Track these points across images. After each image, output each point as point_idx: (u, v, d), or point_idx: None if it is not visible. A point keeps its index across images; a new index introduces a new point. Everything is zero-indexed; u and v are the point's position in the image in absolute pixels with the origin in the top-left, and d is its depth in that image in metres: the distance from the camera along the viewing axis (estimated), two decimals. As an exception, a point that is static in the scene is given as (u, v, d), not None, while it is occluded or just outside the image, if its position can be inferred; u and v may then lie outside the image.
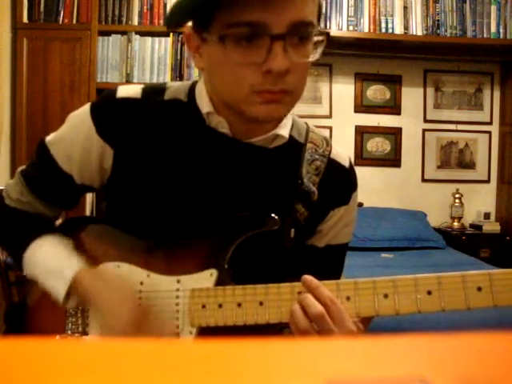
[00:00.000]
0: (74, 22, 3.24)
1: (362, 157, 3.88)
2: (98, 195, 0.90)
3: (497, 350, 0.27)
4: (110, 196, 0.88)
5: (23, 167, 0.93)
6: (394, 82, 3.92)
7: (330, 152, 0.88)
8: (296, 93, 0.75)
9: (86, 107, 0.85)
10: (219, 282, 0.79)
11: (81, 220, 0.94)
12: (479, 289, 0.69)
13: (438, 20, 3.50)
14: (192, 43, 0.78)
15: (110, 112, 0.83)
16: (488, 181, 4.00)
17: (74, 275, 0.81)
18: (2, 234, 0.92)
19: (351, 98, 3.91)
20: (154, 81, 3.27)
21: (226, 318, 0.76)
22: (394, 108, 3.93)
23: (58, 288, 0.81)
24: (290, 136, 0.85)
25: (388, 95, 3.92)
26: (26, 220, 0.90)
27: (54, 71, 3.18)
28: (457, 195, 3.82)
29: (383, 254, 3.20)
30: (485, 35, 3.51)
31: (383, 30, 3.47)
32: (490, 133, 3.98)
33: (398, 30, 3.47)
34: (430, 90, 3.95)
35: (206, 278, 0.79)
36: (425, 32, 3.49)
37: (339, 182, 0.89)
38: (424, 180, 3.96)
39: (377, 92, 3.92)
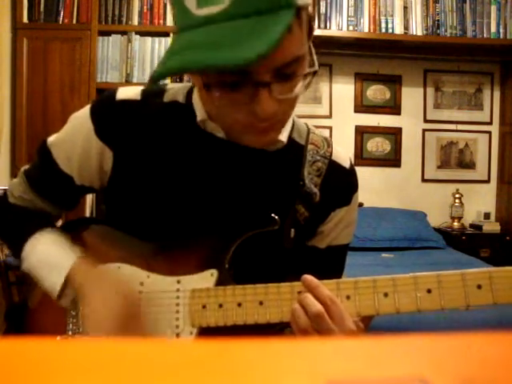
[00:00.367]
0: (74, 22, 3.24)
1: (362, 157, 3.89)
2: (98, 196, 0.91)
3: (497, 350, 0.27)
4: (110, 198, 0.88)
5: (26, 166, 0.93)
6: (393, 82, 3.92)
7: (331, 153, 0.88)
8: (287, 117, 0.75)
9: (87, 108, 0.85)
10: (219, 282, 0.79)
11: (81, 221, 0.94)
12: (479, 287, 0.69)
13: (438, 20, 3.50)
14: None
15: (109, 114, 0.83)
16: (488, 181, 4.00)
17: (71, 267, 0.81)
18: (3, 230, 0.93)
19: (351, 98, 3.92)
20: (154, 81, 3.27)
21: (227, 318, 0.76)
22: (394, 108, 3.93)
23: (54, 280, 0.82)
24: (291, 138, 0.85)
25: (388, 95, 3.93)
26: (27, 215, 0.91)
27: (54, 71, 3.18)
28: (457, 195, 3.82)
29: (383, 254, 3.21)
30: (485, 35, 3.51)
31: (383, 30, 3.47)
32: (490, 133, 3.99)
33: (398, 29, 3.48)
34: (430, 90, 3.96)
35: (207, 278, 0.79)
36: (425, 32, 3.49)
37: (340, 183, 0.88)
38: (424, 180, 3.97)
39: (377, 92, 3.92)
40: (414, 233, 3.46)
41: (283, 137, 0.83)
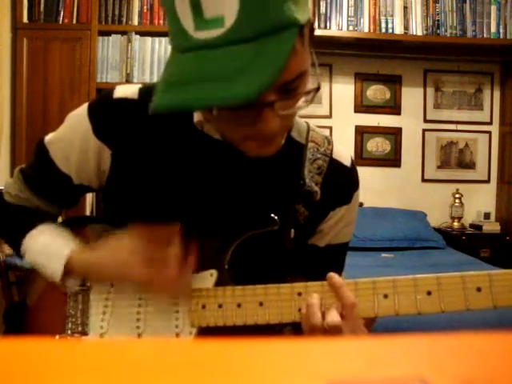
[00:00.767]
0: (74, 22, 3.24)
1: (362, 157, 3.88)
2: (98, 195, 0.90)
3: (497, 350, 0.27)
4: (109, 197, 0.88)
5: (23, 165, 0.93)
6: (394, 82, 3.92)
7: (332, 151, 0.88)
8: (288, 129, 0.76)
9: (84, 107, 0.85)
10: (219, 283, 0.79)
11: (80, 219, 0.94)
12: (479, 289, 0.69)
13: (438, 20, 3.50)
14: None
15: (107, 112, 0.82)
16: (488, 181, 4.00)
17: (71, 251, 0.82)
18: (1, 227, 0.93)
19: (351, 98, 3.92)
20: (154, 81, 3.27)
21: (226, 318, 0.76)
22: (394, 108, 3.93)
23: (54, 266, 0.82)
24: (290, 137, 0.85)
25: (388, 95, 3.93)
26: (24, 213, 0.90)
27: (54, 71, 3.18)
28: (457, 195, 3.82)
29: (383, 254, 3.20)
30: (485, 35, 3.51)
31: (383, 30, 3.47)
32: (490, 133, 3.98)
33: (398, 29, 3.47)
34: (430, 90, 3.96)
35: (206, 278, 0.79)
36: (425, 32, 3.49)
37: (341, 182, 0.88)
38: (424, 180, 3.97)
39: (377, 92, 3.92)
40: (414, 233, 3.46)
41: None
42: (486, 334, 0.27)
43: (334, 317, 0.71)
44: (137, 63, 3.28)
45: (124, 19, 3.29)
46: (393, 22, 3.47)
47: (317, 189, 0.85)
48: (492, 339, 0.27)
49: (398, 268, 2.75)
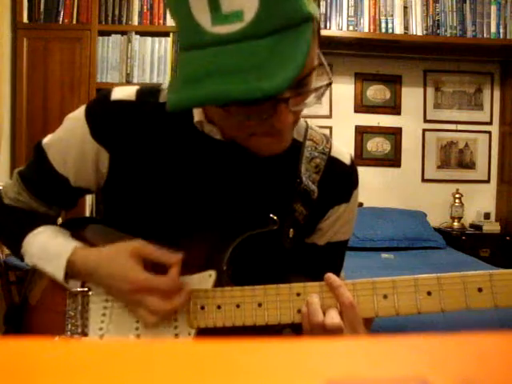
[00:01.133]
0: (74, 22, 3.24)
1: (362, 157, 3.88)
2: (97, 196, 0.90)
3: (497, 350, 0.26)
4: (108, 198, 0.88)
5: (21, 168, 0.93)
6: (393, 82, 3.92)
7: (331, 149, 0.88)
8: (295, 124, 0.75)
9: (82, 109, 0.84)
10: (218, 283, 0.79)
11: (80, 220, 0.94)
12: (480, 289, 0.68)
13: (438, 20, 3.50)
14: None
15: (104, 114, 0.82)
16: (488, 181, 4.00)
17: (72, 251, 0.81)
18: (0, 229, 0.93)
19: (351, 98, 3.92)
20: (154, 81, 3.27)
21: (225, 319, 0.76)
22: (394, 108, 3.93)
23: (56, 264, 0.81)
24: None
25: (388, 95, 3.93)
26: (23, 214, 0.90)
27: (54, 71, 3.18)
28: (457, 195, 3.82)
29: (383, 254, 3.20)
30: (485, 35, 3.51)
31: (383, 30, 3.47)
32: (490, 133, 3.98)
33: (398, 29, 3.48)
34: (430, 90, 3.96)
35: (205, 279, 0.79)
36: (425, 32, 3.49)
37: (340, 180, 0.88)
38: (424, 180, 3.97)
39: (377, 92, 3.92)
40: (414, 233, 3.46)
41: None
42: (486, 334, 0.27)
43: (334, 316, 0.71)
44: (137, 63, 3.29)
45: (124, 19, 3.29)
46: (393, 22, 3.47)
47: (314, 187, 0.85)
48: (492, 339, 0.27)
49: (399, 269, 2.75)
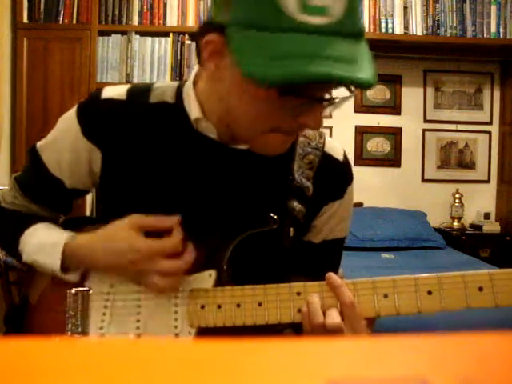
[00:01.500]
0: (74, 22, 3.24)
1: (362, 157, 3.88)
2: (97, 195, 0.90)
3: (497, 350, 0.26)
4: (105, 197, 0.88)
5: (18, 173, 0.93)
6: (393, 81, 3.92)
7: (324, 145, 0.87)
8: None
9: (73, 109, 0.85)
10: (218, 283, 0.79)
11: (79, 220, 0.94)
12: (480, 289, 0.68)
13: (438, 20, 3.50)
14: (214, 50, 0.70)
15: (94, 113, 0.83)
16: (488, 181, 4.00)
17: (68, 237, 0.82)
18: None
19: (351, 98, 3.91)
20: (155, 80, 3.27)
21: (225, 318, 0.76)
22: (393, 108, 3.93)
23: (52, 255, 0.81)
24: None
25: (388, 95, 3.92)
26: (19, 215, 0.90)
27: (54, 71, 3.18)
28: (457, 195, 3.82)
29: (383, 255, 3.20)
30: (485, 35, 3.51)
31: (383, 30, 3.47)
32: (490, 133, 3.98)
33: (398, 29, 3.47)
34: (430, 90, 3.95)
35: (205, 278, 0.79)
36: (425, 32, 3.48)
37: (333, 176, 0.87)
38: (424, 180, 3.96)
39: (377, 92, 3.92)
40: (414, 233, 3.46)
41: None
42: (486, 334, 0.27)
43: (334, 316, 0.71)
44: (137, 63, 3.28)
45: (124, 19, 3.29)
46: (393, 22, 3.47)
47: (308, 184, 0.84)
48: (492, 339, 0.27)
49: (399, 269, 2.75)
